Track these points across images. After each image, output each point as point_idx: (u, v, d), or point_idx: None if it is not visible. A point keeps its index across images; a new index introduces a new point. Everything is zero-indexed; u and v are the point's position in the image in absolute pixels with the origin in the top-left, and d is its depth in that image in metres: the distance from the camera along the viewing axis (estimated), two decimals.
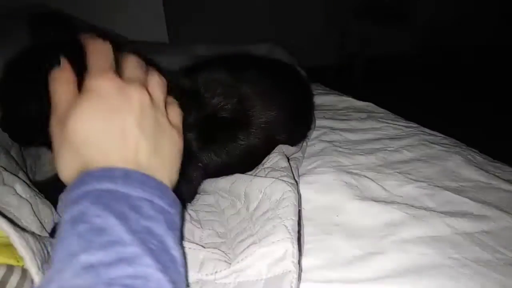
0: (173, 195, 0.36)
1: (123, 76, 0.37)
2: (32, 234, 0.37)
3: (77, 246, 0.28)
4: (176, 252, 0.31)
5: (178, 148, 0.40)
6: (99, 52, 0.37)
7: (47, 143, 0.54)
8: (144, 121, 0.36)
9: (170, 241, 0.31)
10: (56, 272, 0.27)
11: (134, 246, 0.28)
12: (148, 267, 0.28)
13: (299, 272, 0.39)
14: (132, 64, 0.39)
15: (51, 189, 0.60)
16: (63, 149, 0.35)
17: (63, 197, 0.34)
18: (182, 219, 0.38)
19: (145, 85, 0.38)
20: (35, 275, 0.35)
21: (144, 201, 0.32)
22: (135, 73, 0.38)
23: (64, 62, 0.38)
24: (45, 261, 0.38)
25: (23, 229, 0.37)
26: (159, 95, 0.39)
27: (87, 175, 0.32)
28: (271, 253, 0.40)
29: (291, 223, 0.43)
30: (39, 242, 0.36)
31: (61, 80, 0.37)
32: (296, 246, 0.40)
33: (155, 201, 0.33)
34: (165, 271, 0.29)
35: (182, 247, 0.35)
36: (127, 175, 0.33)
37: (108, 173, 0.32)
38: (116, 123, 0.34)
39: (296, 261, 0.39)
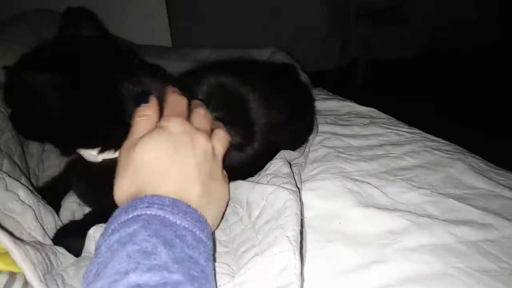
0: (210, 231, 0.38)
1: (193, 124, 0.42)
2: (33, 245, 0.37)
3: (126, 266, 0.29)
4: (213, 283, 0.34)
5: (225, 198, 0.45)
6: (177, 102, 0.44)
7: (54, 140, 0.54)
8: (202, 166, 0.40)
9: (209, 272, 0.34)
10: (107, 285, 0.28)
11: (179, 273, 0.30)
12: None
13: (301, 283, 0.39)
14: (200, 116, 0.45)
15: (53, 192, 0.60)
16: (124, 171, 0.39)
17: (112, 219, 0.36)
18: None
19: (210, 136, 0.43)
20: (38, 287, 0.35)
21: (188, 231, 0.34)
22: (203, 124, 0.44)
23: (152, 100, 0.44)
24: (47, 271, 0.38)
25: (22, 241, 0.37)
26: (220, 148, 0.44)
27: (139, 200, 0.35)
28: (273, 265, 0.39)
29: (293, 233, 0.43)
30: (40, 253, 0.36)
31: (146, 116, 0.42)
32: (298, 257, 0.40)
33: (196, 232, 0.35)
34: None
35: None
36: (174, 204, 0.35)
37: (158, 200, 0.35)
38: (178, 159, 0.39)
39: (298, 272, 0.39)
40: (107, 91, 0.50)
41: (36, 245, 0.38)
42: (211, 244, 0.37)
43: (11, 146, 0.59)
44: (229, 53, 1.26)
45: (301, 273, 0.40)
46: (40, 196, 0.50)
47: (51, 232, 0.48)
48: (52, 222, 0.48)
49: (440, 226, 0.55)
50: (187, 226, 0.34)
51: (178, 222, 0.34)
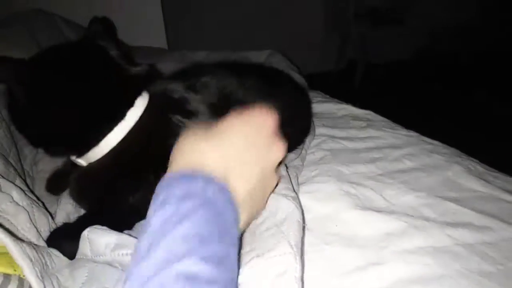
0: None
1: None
2: (29, 243, 0.36)
3: (180, 248, 0.28)
4: None
5: (260, 212, 0.46)
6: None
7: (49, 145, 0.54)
8: (265, 170, 0.39)
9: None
10: (159, 268, 0.27)
11: (226, 271, 0.29)
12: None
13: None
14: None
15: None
16: (211, 137, 0.37)
17: (164, 184, 0.33)
18: None
19: None
20: (35, 283, 0.35)
21: (233, 228, 0.33)
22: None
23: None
24: (44, 270, 0.37)
25: (19, 239, 0.36)
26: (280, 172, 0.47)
27: (202, 177, 0.33)
28: (273, 268, 0.39)
29: (295, 239, 0.43)
30: (36, 251, 0.36)
31: None
32: (299, 261, 0.40)
33: (235, 232, 0.34)
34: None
35: None
36: (223, 190, 0.33)
37: (211, 184, 0.33)
38: (255, 153, 0.38)
39: (298, 275, 0.38)
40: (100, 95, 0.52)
41: (32, 244, 0.37)
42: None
43: (5, 146, 0.58)
44: (226, 55, 1.26)
45: (302, 279, 0.40)
46: (34, 198, 0.50)
47: (45, 234, 0.47)
48: (46, 224, 0.47)
49: (438, 228, 0.55)
50: (233, 221, 0.33)
51: (229, 215, 0.33)
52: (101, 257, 0.45)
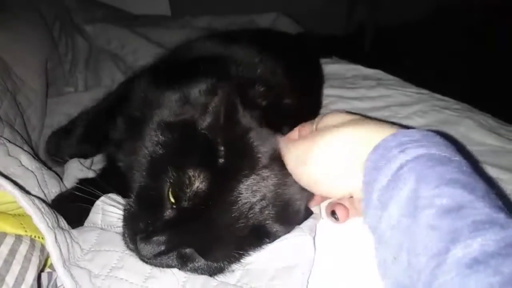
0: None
1: None
2: (38, 198, 0.37)
3: (441, 241, 0.27)
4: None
5: None
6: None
7: None
8: None
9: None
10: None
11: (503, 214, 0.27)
12: None
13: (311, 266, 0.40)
14: None
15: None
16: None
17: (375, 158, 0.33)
18: None
19: None
20: (46, 232, 0.35)
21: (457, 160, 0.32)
22: None
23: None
24: (55, 223, 0.38)
25: (28, 192, 0.37)
26: None
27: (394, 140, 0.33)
28: (284, 246, 0.40)
29: (308, 223, 0.43)
30: (47, 205, 0.36)
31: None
32: (309, 238, 0.40)
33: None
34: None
35: None
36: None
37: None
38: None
39: (310, 255, 0.39)
40: None
41: (41, 200, 0.38)
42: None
43: (10, 116, 0.58)
44: (231, 20, 1.23)
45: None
46: (43, 163, 0.50)
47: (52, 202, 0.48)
48: (56, 186, 0.48)
49: None
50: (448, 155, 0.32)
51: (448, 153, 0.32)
52: (112, 227, 0.45)
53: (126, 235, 0.42)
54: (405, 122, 0.71)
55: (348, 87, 0.88)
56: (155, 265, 0.41)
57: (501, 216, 0.26)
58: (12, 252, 0.36)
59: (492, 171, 0.56)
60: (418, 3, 2.48)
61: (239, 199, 0.40)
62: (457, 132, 0.66)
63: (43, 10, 0.97)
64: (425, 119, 0.71)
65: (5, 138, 0.47)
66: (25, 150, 0.48)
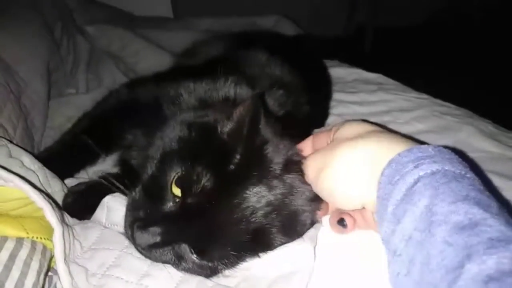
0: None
1: None
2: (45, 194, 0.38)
3: (455, 257, 0.27)
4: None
5: None
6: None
7: None
8: None
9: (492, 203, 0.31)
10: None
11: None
12: None
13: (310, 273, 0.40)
14: None
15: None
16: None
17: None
18: None
19: None
20: (56, 225, 0.36)
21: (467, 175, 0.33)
22: None
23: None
24: (61, 218, 0.38)
25: (36, 187, 0.37)
26: None
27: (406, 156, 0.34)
28: (283, 253, 0.41)
29: (309, 233, 0.43)
30: (53, 200, 0.37)
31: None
32: (310, 246, 0.41)
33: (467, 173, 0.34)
34: None
35: None
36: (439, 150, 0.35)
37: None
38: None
39: (309, 262, 0.40)
40: None
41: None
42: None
43: (13, 118, 0.58)
44: (232, 22, 1.23)
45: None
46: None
47: (58, 195, 0.48)
48: (59, 185, 0.48)
49: None
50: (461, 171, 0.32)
51: (458, 170, 0.32)
52: (115, 226, 0.46)
53: (126, 221, 0.43)
54: (405, 127, 0.71)
55: (348, 91, 0.88)
56: (150, 258, 0.41)
57: None
58: (12, 257, 0.36)
59: (491, 178, 0.56)
60: (418, 5, 2.49)
61: (242, 203, 0.40)
62: (457, 138, 0.67)
63: (45, 11, 0.97)
64: (425, 125, 0.72)
65: (7, 139, 0.47)
66: (27, 151, 0.48)
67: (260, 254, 0.42)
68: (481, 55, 2.32)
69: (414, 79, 0.96)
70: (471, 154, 0.62)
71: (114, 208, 0.46)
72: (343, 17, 2.55)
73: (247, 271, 0.42)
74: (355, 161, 0.37)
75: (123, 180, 0.49)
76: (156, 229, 0.39)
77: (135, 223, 0.40)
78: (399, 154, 0.34)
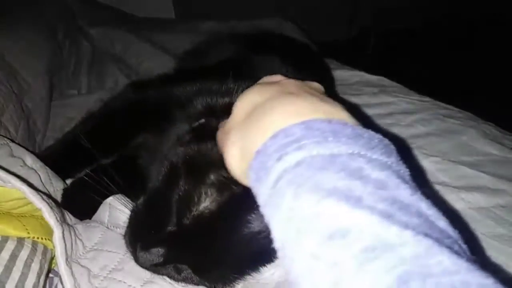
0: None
1: None
2: (45, 194, 0.37)
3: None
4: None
5: None
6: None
7: None
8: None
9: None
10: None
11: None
12: None
13: None
14: None
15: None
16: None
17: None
18: None
19: None
20: (55, 226, 0.36)
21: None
22: None
23: None
24: (62, 218, 0.38)
25: (35, 188, 0.37)
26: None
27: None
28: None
29: None
30: (53, 200, 0.37)
31: None
32: None
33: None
34: None
35: None
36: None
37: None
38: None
39: None
40: None
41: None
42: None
43: (14, 118, 0.58)
44: (234, 25, 1.23)
45: None
46: None
47: (61, 193, 0.48)
48: (61, 184, 0.49)
49: (452, 193, 0.54)
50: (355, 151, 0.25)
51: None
52: (117, 229, 0.45)
53: (127, 237, 0.42)
54: (408, 130, 0.71)
55: (350, 94, 0.88)
56: (151, 271, 0.41)
57: (392, 233, 0.20)
58: (13, 258, 0.36)
59: (494, 181, 0.56)
60: (420, 9, 2.49)
61: (247, 226, 0.38)
62: (459, 141, 0.66)
63: (47, 13, 0.98)
64: (428, 128, 0.71)
65: (9, 139, 0.47)
66: (29, 150, 0.48)
67: (261, 268, 0.41)
68: (482, 57, 2.32)
69: (417, 82, 0.96)
70: (474, 157, 0.62)
71: (116, 209, 0.46)
72: (345, 20, 2.55)
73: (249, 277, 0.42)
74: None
75: (116, 172, 0.48)
76: (159, 250, 0.38)
77: (138, 242, 0.39)
78: (264, 143, 0.27)
